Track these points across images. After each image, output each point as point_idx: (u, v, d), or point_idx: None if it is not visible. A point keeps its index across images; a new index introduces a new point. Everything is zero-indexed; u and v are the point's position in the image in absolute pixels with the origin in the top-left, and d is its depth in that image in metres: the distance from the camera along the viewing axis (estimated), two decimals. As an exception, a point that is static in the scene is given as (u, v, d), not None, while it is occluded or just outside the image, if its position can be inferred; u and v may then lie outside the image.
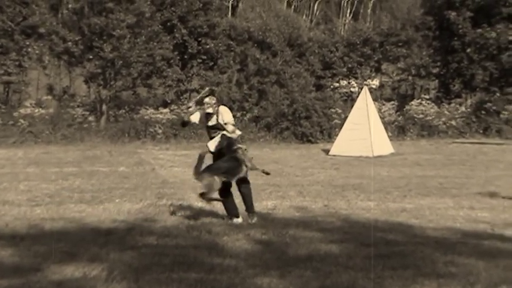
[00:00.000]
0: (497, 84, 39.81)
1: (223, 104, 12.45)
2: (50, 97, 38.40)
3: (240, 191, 11.72)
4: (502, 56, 39.34)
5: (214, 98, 12.02)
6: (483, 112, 38.54)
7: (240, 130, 12.86)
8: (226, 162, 11.32)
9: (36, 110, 35.55)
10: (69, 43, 35.63)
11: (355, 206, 13.82)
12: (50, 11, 38.17)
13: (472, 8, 40.08)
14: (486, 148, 31.69)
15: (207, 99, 11.80)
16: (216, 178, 11.12)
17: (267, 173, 12.18)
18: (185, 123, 12.63)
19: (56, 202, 14.16)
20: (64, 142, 32.87)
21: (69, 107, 36.36)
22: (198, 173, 11.36)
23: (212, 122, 11.69)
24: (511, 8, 39.48)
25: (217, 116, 11.67)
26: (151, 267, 7.95)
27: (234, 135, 11.65)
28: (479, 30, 39.59)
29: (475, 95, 40.90)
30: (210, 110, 11.67)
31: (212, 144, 11.66)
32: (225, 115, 11.81)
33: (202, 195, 11.45)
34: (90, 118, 35.87)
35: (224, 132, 11.59)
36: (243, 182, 11.64)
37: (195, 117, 11.99)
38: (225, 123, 11.64)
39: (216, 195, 11.42)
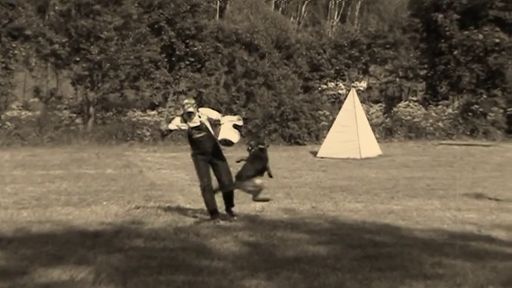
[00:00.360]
0: (483, 86, 39.95)
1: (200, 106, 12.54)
2: (36, 99, 38.26)
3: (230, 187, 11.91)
4: (489, 58, 39.49)
5: (193, 99, 12.21)
6: (470, 114, 38.67)
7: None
8: (253, 164, 11.62)
9: (23, 113, 35.42)
10: (56, 45, 35.49)
11: (342, 208, 13.83)
12: (36, 13, 38.04)
13: (459, 10, 40.21)
14: (473, 150, 31.80)
15: (186, 100, 11.86)
16: (256, 180, 11.55)
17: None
18: (165, 134, 12.65)
19: (43, 205, 14.10)
20: (51, 144, 32.74)
21: (56, 109, 36.20)
22: (238, 183, 11.78)
23: (195, 123, 11.68)
24: (497, 10, 39.64)
25: (200, 117, 11.69)
26: (138, 269, 7.93)
27: (240, 122, 11.88)
28: (466, 33, 39.73)
29: (462, 96, 41.02)
30: (191, 109, 11.69)
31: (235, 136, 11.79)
32: (213, 113, 11.90)
33: (255, 200, 12.07)
34: (77, 120, 35.76)
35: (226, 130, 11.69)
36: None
37: (173, 124, 12.00)
38: (218, 120, 11.73)
39: (263, 195, 11.97)
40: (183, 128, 11.86)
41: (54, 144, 32.90)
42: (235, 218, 11.86)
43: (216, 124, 11.79)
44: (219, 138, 11.68)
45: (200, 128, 11.67)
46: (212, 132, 11.79)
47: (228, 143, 11.68)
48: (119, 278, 7.52)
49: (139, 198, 15.19)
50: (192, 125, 11.69)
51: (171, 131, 12.23)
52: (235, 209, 12.41)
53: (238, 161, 12.03)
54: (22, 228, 11.03)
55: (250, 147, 11.90)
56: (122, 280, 7.44)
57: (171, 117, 12.24)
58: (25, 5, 37.13)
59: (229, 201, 11.97)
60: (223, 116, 12.08)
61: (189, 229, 10.83)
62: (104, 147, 32.50)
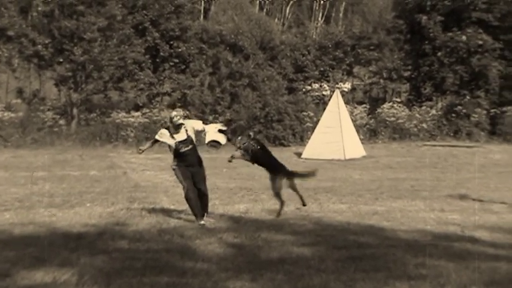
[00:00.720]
0: (467, 87, 40.15)
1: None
2: (19, 100, 38.00)
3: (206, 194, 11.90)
4: (472, 60, 39.69)
5: (181, 110, 12.18)
6: (453, 115, 38.86)
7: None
8: (271, 157, 12.29)
9: (6, 114, 35.19)
10: (39, 46, 35.32)
11: (327, 209, 13.84)
12: (19, 13, 37.76)
13: (443, 12, 40.40)
14: (456, 151, 31.95)
15: (174, 113, 11.74)
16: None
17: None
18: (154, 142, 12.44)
19: (26, 207, 14.02)
20: (34, 146, 32.57)
21: (39, 110, 35.99)
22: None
23: (182, 137, 11.61)
24: (480, 12, 39.86)
25: (187, 130, 11.65)
26: (122, 271, 7.89)
27: (224, 127, 11.92)
28: (449, 34, 39.92)
29: (446, 98, 41.18)
30: (181, 121, 11.65)
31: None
32: (198, 124, 11.89)
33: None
34: (61, 122, 35.59)
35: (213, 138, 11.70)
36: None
37: (161, 137, 11.85)
38: (202, 130, 11.75)
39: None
40: (170, 143, 11.70)
41: (37, 145, 32.74)
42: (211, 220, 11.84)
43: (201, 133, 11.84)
44: (207, 140, 11.70)
45: (186, 141, 11.62)
46: (196, 145, 11.81)
47: (215, 144, 11.69)
48: (102, 279, 7.48)
49: (124, 199, 15.13)
50: (178, 139, 11.60)
51: (156, 141, 12.07)
52: (220, 211, 12.42)
53: (230, 160, 12.13)
54: (4, 230, 10.96)
55: (242, 145, 11.93)
56: (105, 282, 7.40)
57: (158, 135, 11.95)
58: (8, 5, 36.86)
59: (205, 208, 11.92)
60: (207, 125, 12.09)
61: (173, 230, 10.79)
62: (88, 148, 32.38)
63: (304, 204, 12.42)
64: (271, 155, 12.50)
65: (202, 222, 11.52)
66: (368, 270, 8.02)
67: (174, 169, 11.85)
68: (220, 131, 11.82)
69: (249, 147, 11.99)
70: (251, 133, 12.41)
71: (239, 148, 11.98)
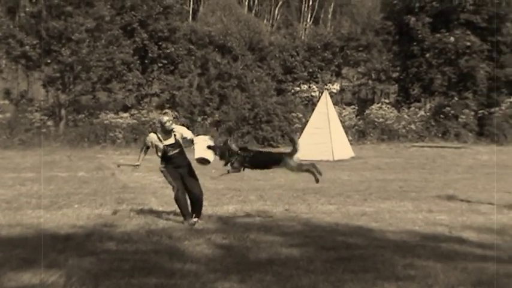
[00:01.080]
0: (455, 88, 40.31)
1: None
2: (7, 101, 37.88)
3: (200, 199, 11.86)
4: (460, 61, 39.85)
5: (171, 115, 12.15)
6: (442, 116, 38.99)
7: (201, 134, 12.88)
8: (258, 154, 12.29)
9: (-7, 115, 35.10)
10: (27, 47, 35.20)
11: (315, 210, 13.83)
12: (6, 14, 37.69)
13: (431, 13, 40.56)
14: (445, 152, 32.05)
15: (166, 118, 11.67)
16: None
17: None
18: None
19: (13, 208, 13.94)
20: (22, 147, 32.45)
21: (27, 111, 35.87)
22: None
23: (171, 141, 11.59)
24: (468, 14, 40.02)
25: (176, 135, 11.62)
26: (110, 273, 7.86)
27: (211, 142, 11.82)
28: (438, 36, 40.07)
29: (434, 99, 41.37)
30: (173, 126, 11.67)
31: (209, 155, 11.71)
32: (187, 132, 11.86)
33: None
34: (49, 123, 35.48)
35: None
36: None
37: (150, 142, 11.79)
38: (192, 140, 11.71)
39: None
40: (159, 146, 11.64)
41: (25, 146, 32.62)
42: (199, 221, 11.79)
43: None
44: (196, 157, 11.66)
45: (175, 145, 11.60)
46: (184, 149, 11.79)
47: (204, 161, 11.65)
48: (90, 281, 7.45)
49: (112, 201, 15.07)
50: (167, 142, 11.58)
51: (148, 148, 11.96)
52: (208, 212, 12.41)
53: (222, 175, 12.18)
54: (-8, 231, 10.91)
55: (235, 161, 11.85)
56: (93, 283, 7.37)
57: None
58: (-5, 6, 36.80)
59: (198, 213, 11.84)
60: (196, 135, 12.03)
61: (161, 232, 10.77)
62: (76, 149, 32.28)
63: (316, 179, 12.02)
64: (264, 152, 12.54)
65: (194, 220, 11.50)
66: (356, 271, 8.02)
67: (162, 171, 11.83)
68: (208, 147, 11.74)
69: (243, 161, 11.79)
70: (235, 147, 12.11)
71: (232, 165, 11.79)
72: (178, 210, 11.98)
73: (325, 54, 42.72)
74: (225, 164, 11.68)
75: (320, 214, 13.22)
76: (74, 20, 34.92)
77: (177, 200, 11.71)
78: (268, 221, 12.07)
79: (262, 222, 11.93)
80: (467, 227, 11.67)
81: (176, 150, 11.61)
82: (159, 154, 11.69)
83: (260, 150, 12.44)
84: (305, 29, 57.61)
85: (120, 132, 34.98)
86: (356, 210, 13.70)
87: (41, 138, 33.93)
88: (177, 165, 11.67)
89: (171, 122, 11.62)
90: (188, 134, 11.87)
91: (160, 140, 11.56)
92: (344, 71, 44.76)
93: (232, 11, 50.19)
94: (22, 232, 10.88)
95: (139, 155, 12.02)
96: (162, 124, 11.61)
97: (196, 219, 11.64)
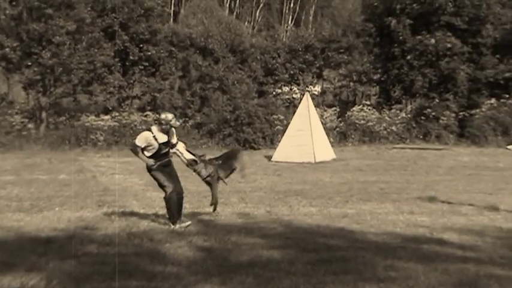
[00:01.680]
0: (436, 90, 40.50)
1: None
2: (-13, 104, 37.61)
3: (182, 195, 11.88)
4: (441, 63, 40.06)
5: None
6: (423, 118, 39.16)
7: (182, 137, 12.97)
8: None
9: (-26, 118, 34.84)
10: (7, 49, 34.94)
11: (297, 212, 13.86)
12: (-14, 16, 37.41)
13: (412, 15, 40.71)
14: (426, 153, 32.21)
15: (170, 116, 11.64)
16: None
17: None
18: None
19: (-6, 211, 13.86)
20: (2, 150, 32.23)
21: (8, 114, 35.61)
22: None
23: (164, 139, 11.56)
24: (449, 16, 40.24)
25: (169, 135, 11.62)
26: (91, 276, 7.84)
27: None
28: (418, 38, 40.24)
29: (415, 101, 41.50)
30: (178, 123, 11.79)
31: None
32: (175, 136, 11.87)
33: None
34: (30, 125, 35.27)
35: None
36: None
37: (144, 141, 11.74)
38: (175, 144, 11.76)
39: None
40: (154, 144, 11.56)
41: (5, 149, 32.40)
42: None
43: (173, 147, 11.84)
44: (188, 157, 11.77)
45: (167, 144, 11.58)
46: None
47: (193, 162, 11.80)
48: (71, 284, 7.43)
49: (93, 203, 15.03)
50: (161, 140, 11.54)
51: (142, 149, 11.84)
52: (189, 214, 12.42)
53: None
54: (-28, 235, 10.83)
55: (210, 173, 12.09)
56: (74, 286, 7.35)
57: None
58: (-25, 8, 36.51)
59: (180, 210, 11.83)
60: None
61: (143, 234, 10.74)
62: (57, 152, 32.11)
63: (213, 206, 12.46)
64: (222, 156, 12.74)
65: (188, 223, 11.51)
66: (338, 272, 8.05)
67: (152, 171, 11.65)
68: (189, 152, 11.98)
69: (215, 170, 12.12)
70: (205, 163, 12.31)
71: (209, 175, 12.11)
72: (160, 212, 11.96)
73: (306, 56, 42.74)
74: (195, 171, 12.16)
75: (301, 216, 13.25)
76: (55, 22, 34.73)
77: (169, 200, 11.59)
78: (250, 223, 12.08)
79: (243, 225, 11.93)
80: (448, 228, 11.74)
81: (167, 149, 11.62)
82: (147, 154, 11.58)
83: (221, 156, 12.53)
84: (286, 31, 57.68)
85: (101, 135, 34.83)
86: (337, 212, 13.74)
87: (21, 141, 33.73)
88: (165, 163, 11.63)
89: (175, 120, 11.64)
90: (174, 137, 11.88)
91: (156, 138, 11.51)
92: (325, 73, 44.80)
93: (213, 13, 50.21)
94: (2, 235, 10.82)
95: (141, 158, 11.75)
96: (168, 122, 11.53)
97: (189, 222, 11.62)
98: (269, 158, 29.32)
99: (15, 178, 21.32)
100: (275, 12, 67.11)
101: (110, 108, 38.03)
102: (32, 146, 33.37)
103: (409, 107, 41.49)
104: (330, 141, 31.84)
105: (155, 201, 14.72)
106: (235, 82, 38.85)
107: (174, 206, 11.61)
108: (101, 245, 9.89)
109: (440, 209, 14.32)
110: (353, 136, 38.08)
